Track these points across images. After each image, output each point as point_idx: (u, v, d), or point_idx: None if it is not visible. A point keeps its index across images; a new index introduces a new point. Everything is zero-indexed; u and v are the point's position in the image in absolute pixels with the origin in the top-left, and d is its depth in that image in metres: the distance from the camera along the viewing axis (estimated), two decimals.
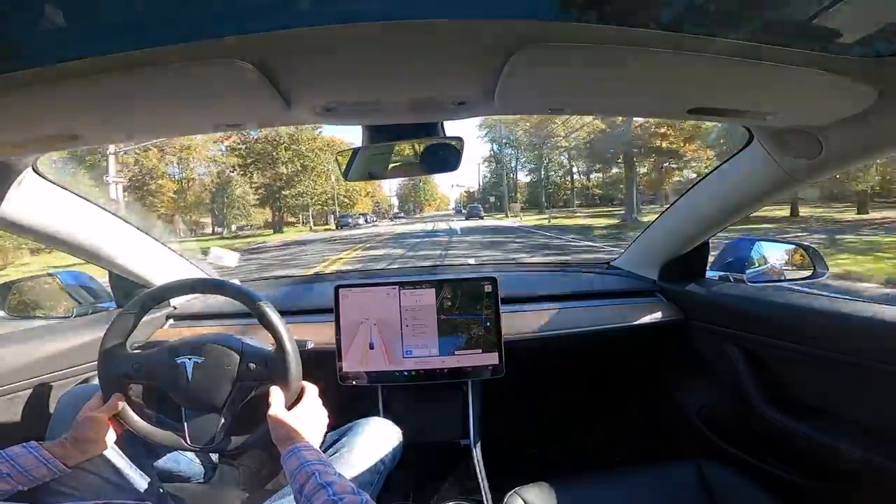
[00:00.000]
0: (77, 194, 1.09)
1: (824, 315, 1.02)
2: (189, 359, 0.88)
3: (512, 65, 0.56)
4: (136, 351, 0.91)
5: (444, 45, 0.55)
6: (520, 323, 1.33)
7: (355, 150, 0.96)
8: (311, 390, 0.90)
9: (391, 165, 0.97)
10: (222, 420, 0.88)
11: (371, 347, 1.24)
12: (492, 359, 1.24)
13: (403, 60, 0.59)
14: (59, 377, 1.11)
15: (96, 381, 1.02)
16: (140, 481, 0.91)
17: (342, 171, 0.99)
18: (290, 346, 0.87)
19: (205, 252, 1.62)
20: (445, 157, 0.95)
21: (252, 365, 0.90)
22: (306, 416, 0.84)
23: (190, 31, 0.47)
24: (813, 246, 1.38)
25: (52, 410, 0.95)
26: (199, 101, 0.68)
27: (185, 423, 0.89)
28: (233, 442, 0.89)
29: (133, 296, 0.93)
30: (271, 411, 0.83)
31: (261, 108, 0.72)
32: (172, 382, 0.88)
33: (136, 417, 0.88)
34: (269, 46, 0.52)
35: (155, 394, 0.91)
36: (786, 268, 1.42)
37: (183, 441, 0.89)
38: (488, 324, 1.25)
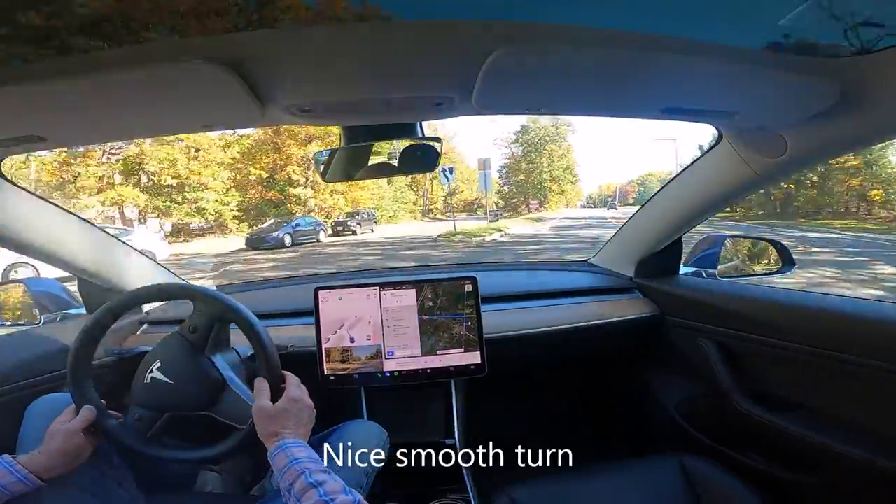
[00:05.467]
0: (42, 197, 1.05)
1: (794, 309, 1.05)
2: (164, 365, 0.86)
3: (490, 65, 0.57)
4: (108, 358, 0.89)
5: (423, 45, 0.55)
6: (500, 321, 1.34)
7: (333, 151, 0.95)
8: (294, 380, 0.87)
9: (369, 166, 0.97)
10: (201, 426, 0.86)
11: (352, 349, 1.24)
12: (474, 358, 1.25)
13: (381, 60, 0.59)
14: (27, 386, 1.07)
15: (66, 390, 0.99)
16: (119, 491, 0.89)
17: (320, 172, 0.98)
18: (267, 344, 0.86)
19: None
20: (423, 157, 0.95)
21: (230, 368, 0.88)
22: (291, 409, 0.81)
23: (158, 30, 0.46)
24: (781, 241, 1.43)
25: (20, 421, 0.92)
26: (169, 102, 0.66)
27: (164, 431, 0.87)
28: (214, 448, 0.87)
29: (103, 301, 0.91)
30: (255, 404, 0.80)
31: (234, 110, 0.70)
32: (148, 390, 0.86)
33: (111, 427, 0.86)
34: (241, 46, 0.51)
35: (130, 402, 0.88)
36: (755, 263, 1.47)
37: (163, 449, 0.87)
38: (469, 323, 1.25)
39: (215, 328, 0.89)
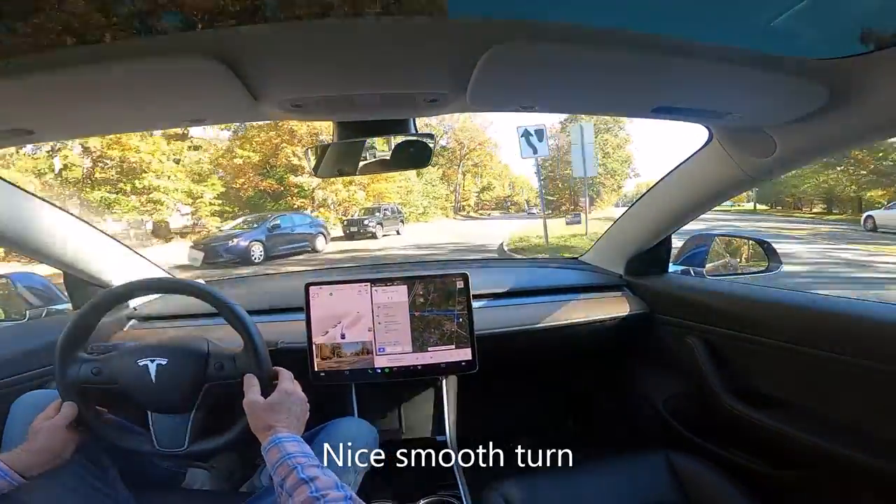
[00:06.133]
0: (27, 191, 1.04)
1: (780, 306, 1.07)
2: (152, 361, 0.85)
3: (485, 61, 0.57)
4: (94, 354, 0.88)
5: (417, 41, 0.55)
6: (491, 318, 1.35)
7: (325, 147, 0.95)
8: (286, 375, 0.87)
9: (362, 162, 0.97)
10: (191, 423, 0.86)
11: (343, 345, 1.23)
12: (465, 354, 1.25)
13: (375, 56, 0.58)
14: (12, 383, 1.05)
15: (52, 386, 0.97)
16: (105, 489, 0.88)
17: (312, 168, 0.97)
18: (257, 339, 0.85)
19: None
20: (416, 153, 0.95)
21: (219, 364, 0.88)
22: (284, 402, 0.81)
23: (150, 24, 0.46)
24: (767, 241, 1.46)
25: (5, 418, 0.90)
26: (161, 96, 0.65)
27: (153, 428, 0.86)
28: (205, 444, 0.86)
29: (89, 296, 0.90)
30: (247, 399, 0.80)
31: (226, 104, 0.70)
32: (136, 386, 0.85)
33: (97, 423, 0.85)
34: (234, 40, 0.50)
35: (117, 398, 0.87)
36: (742, 262, 1.50)
37: (151, 446, 0.86)
38: (461, 319, 1.26)
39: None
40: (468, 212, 31.17)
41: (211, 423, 0.88)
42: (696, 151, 1.09)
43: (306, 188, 17.07)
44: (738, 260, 1.50)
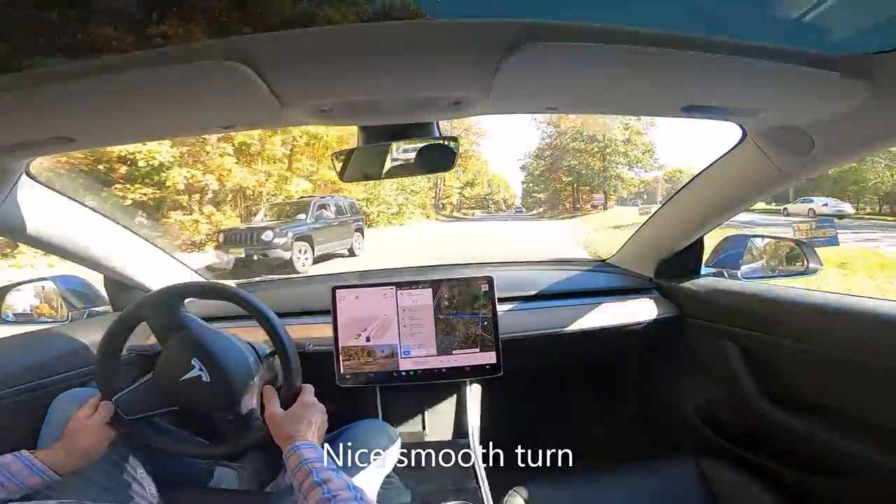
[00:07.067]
0: (70, 197, 1.08)
1: (819, 310, 1.02)
2: (199, 362, 0.87)
3: (508, 63, 0.56)
4: (134, 354, 0.91)
5: (440, 44, 0.55)
6: (516, 321, 1.33)
7: (350, 151, 0.96)
8: (307, 389, 0.91)
9: (387, 166, 0.97)
10: (231, 422, 0.88)
11: (369, 348, 1.24)
12: (489, 358, 1.24)
13: (399, 60, 0.59)
14: (54, 382, 1.10)
15: (92, 385, 1.01)
16: (135, 486, 0.91)
17: (338, 173, 0.98)
18: (290, 349, 0.88)
19: None
20: (441, 156, 0.95)
21: (259, 367, 0.90)
22: (305, 413, 0.85)
23: (184, 31, 0.47)
24: (806, 241, 1.40)
25: (45, 415, 0.94)
26: (192, 102, 0.68)
27: (191, 429, 0.89)
28: (237, 443, 0.89)
29: (128, 299, 0.93)
30: (268, 412, 0.83)
31: (254, 110, 0.71)
32: (180, 388, 0.87)
33: (130, 423, 0.87)
34: (263, 47, 0.52)
35: (159, 399, 0.90)
36: (779, 263, 1.44)
37: (190, 447, 0.89)
38: (485, 323, 1.25)
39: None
40: (450, 211, 27.36)
41: (242, 423, 0.90)
42: (729, 150, 1.05)
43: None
44: (776, 262, 1.44)
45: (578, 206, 24.84)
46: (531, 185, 29.30)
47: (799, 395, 1.09)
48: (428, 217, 21.39)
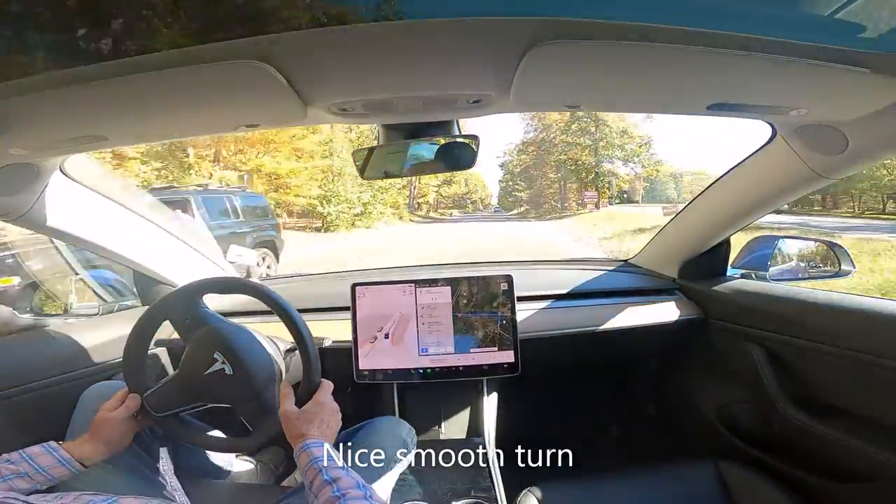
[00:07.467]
0: (103, 194, 1.12)
1: (850, 313, 0.99)
2: (221, 355, 0.89)
3: (528, 62, 0.56)
4: (162, 348, 0.93)
5: (460, 43, 0.55)
6: (536, 321, 1.32)
7: (371, 149, 0.96)
8: (326, 386, 0.90)
9: (407, 164, 0.98)
10: (256, 414, 0.90)
11: (387, 345, 1.25)
12: (507, 357, 1.24)
13: (419, 59, 0.59)
14: (84, 374, 1.14)
15: (120, 378, 1.04)
16: (157, 478, 0.93)
17: (359, 170, 0.99)
18: (310, 344, 0.88)
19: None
20: (460, 154, 0.95)
21: (281, 362, 0.91)
22: (318, 412, 0.84)
23: (210, 32, 0.48)
24: (838, 243, 1.35)
25: (74, 407, 0.97)
26: (219, 101, 0.69)
27: (215, 423, 0.91)
28: (262, 434, 0.90)
29: (157, 293, 0.95)
30: (283, 409, 0.83)
31: (278, 109, 0.73)
32: (204, 382, 0.89)
33: (157, 417, 0.89)
34: (287, 47, 0.52)
35: (186, 395, 0.92)
36: (810, 265, 1.39)
37: (217, 441, 0.91)
38: (504, 321, 1.24)
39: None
40: (427, 211, 24.96)
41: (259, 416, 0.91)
42: (758, 149, 1.02)
43: None
44: (806, 263, 1.39)
45: (567, 204, 23.09)
46: (510, 183, 27.42)
47: (824, 400, 1.06)
48: (401, 218, 18.52)
